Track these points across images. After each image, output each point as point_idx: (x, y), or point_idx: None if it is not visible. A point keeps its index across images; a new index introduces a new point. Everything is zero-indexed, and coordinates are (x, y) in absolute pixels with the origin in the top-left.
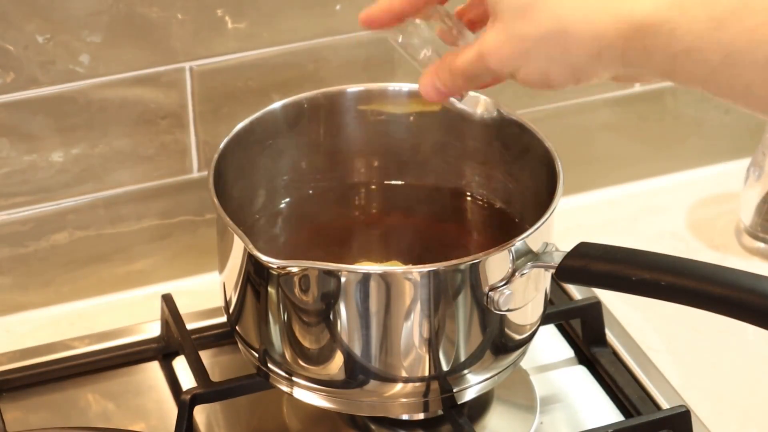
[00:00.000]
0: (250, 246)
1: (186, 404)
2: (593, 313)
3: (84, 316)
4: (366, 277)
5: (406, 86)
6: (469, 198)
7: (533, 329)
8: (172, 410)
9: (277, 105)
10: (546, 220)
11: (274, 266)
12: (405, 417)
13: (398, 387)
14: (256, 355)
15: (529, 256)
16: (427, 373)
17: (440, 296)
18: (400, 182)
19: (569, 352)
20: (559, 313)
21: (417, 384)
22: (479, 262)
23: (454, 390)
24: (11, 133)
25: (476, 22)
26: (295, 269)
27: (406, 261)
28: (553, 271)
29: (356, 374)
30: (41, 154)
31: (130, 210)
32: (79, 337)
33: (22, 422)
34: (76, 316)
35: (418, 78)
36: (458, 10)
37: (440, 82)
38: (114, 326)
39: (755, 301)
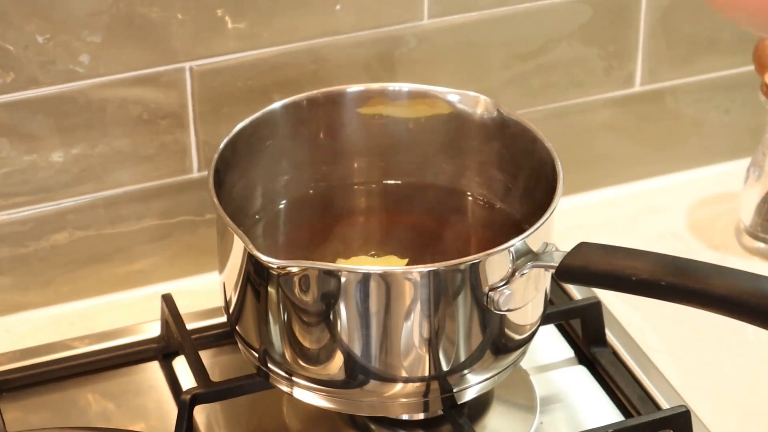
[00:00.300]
0: (250, 246)
1: (186, 404)
2: (593, 313)
3: (84, 316)
4: (366, 277)
5: (406, 86)
6: (469, 198)
7: (533, 329)
8: (172, 410)
9: (277, 105)
10: (546, 220)
11: (274, 266)
12: (405, 417)
13: (398, 387)
14: (256, 355)
15: (529, 256)
16: (427, 373)
17: (440, 296)
18: (400, 182)
19: (569, 352)
20: (559, 313)
21: (417, 384)
22: (479, 262)
23: (454, 390)
24: (11, 133)
25: None
26: (295, 269)
27: (404, 257)
28: (553, 271)
29: (356, 374)
30: (41, 154)
31: (130, 210)
32: (79, 337)
33: (22, 422)
34: (76, 316)
35: None
36: None
37: None
38: (114, 326)
39: (755, 301)
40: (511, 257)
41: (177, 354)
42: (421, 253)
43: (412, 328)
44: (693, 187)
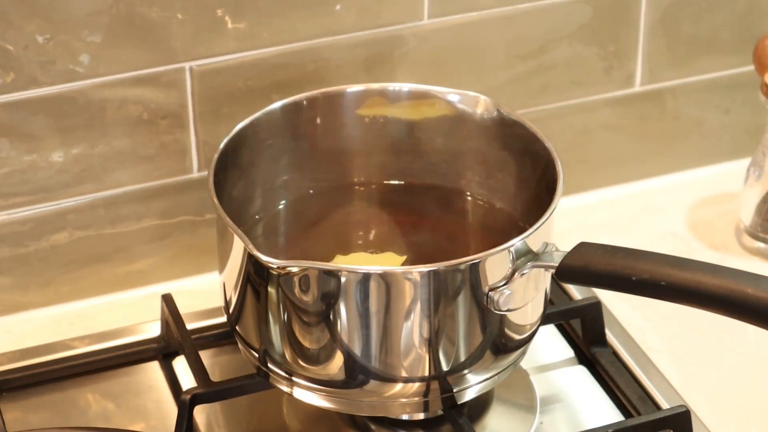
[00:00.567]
0: (250, 246)
1: (186, 404)
2: (593, 313)
3: (84, 316)
4: (366, 277)
5: (406, 86)
6: (469, 198)
7: (533, 329)
8: (172, 410)
9: (277, 105)
10: (546, 220)
11: (274, 266)
12: (405, 417)
13: (398, 387)
14: (256, 355)
15: (529, 256)
16: (427, 373)
17: (440, 296)
18: (400, 182)
19: (569, 352)
20: (559, 313)
21: (417, 384)
22: (479, 262)
23: (454, 390)
24: (11, 133)
25: None
26: (295, 269)
27: (403, 254)
28: (553, 271)
29: (356, 374)
30: (41, 154)
31: (130, 210)
32: (79, 337)
33: (22, 422)
34: (76, 316)
35: None
36: None
37: None
38: (114, 326)
39: (755, 301)
40: (511, 257)
41: (177, 354)
42: (421, 253)
43: (412, 328)
44: (693, 187)
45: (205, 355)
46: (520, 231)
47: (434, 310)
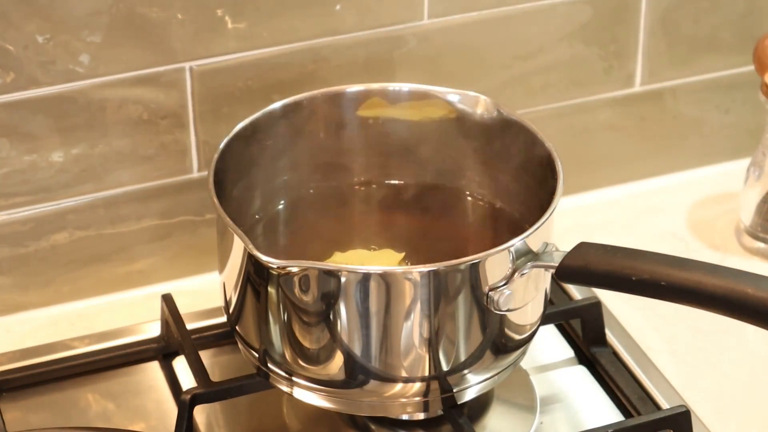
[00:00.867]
0: (250, 246)
1: (186, 404)
2: (593, 313)
3: (84, 316)
4: (366, 277)
5: (406, 86)
6: (469, 198)
7: (533, 329)
8: (172, 410)
9: (277, 105)
10: (546, 220)
11: (274, 266)
12: (405, 417)
13: (398, 387)
14: (256, 355)
15: (529, 256)
16: (427, 373)
17: (440, 296)
18: (400, 182)
19: (569, 352)
20: (559, 313)
21: (417, 384)
22: (479, 262)
23: (454, 390)
24: (11, 133)
25: None
26: (295, 269)
27: (401, 251)
28: (553, 271)
29: (356, 374)
30: (41, 154)
31: (130, 210)
32: (79, 337)
33: (22, 422)
34: (76, 316)
35: None
36: None
37: None
38: (114, 326)
39: (755, 301)
40: (511, 257)
41: (177, 354)
42: (421, 253)
43: (412, 328)
44: (693, 187)
45: (205, 355)
46: (520, 231)
47: (434, 310)
